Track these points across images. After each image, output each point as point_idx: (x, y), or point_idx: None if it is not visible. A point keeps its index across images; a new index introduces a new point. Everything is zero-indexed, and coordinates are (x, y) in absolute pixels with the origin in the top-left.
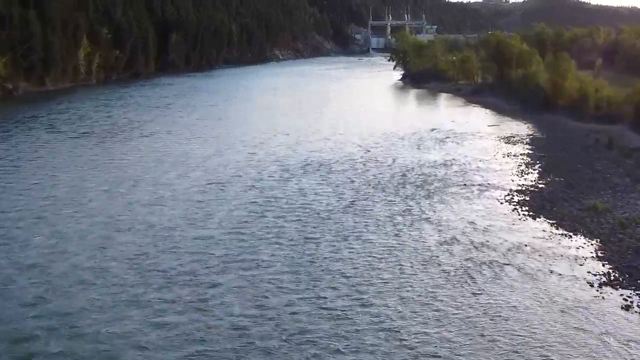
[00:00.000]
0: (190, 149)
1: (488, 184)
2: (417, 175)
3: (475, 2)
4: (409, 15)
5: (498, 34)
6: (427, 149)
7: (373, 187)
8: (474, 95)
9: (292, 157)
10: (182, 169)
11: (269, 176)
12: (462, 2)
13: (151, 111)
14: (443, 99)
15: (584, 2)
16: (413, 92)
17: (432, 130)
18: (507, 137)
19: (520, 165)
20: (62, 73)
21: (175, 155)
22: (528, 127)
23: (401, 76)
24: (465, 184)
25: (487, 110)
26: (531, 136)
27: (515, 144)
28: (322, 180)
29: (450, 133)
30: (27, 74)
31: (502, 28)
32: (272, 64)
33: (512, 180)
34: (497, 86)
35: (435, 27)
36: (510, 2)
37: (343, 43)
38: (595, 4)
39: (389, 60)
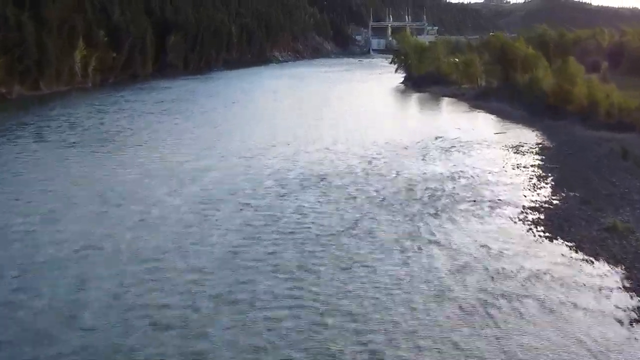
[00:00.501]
0: (184, 160)
1: (499, 199)
2: (423, 190)
3: (475, 3)
4: (409, 16)
5: (500, 35)
6: (433, 160)
7: (377, 205)
8: (478, 99)
9: (290, 170)
10: (174, 185)
11: (265, 193)
12: (462, 3)
13: (146, 117)
14: (446, 103)
15: (584, 3)
16: (415, 97)
17: (437, 138)
18: (515, 146)
19: (532, 178)
20: (57, 76)
21: (168, 168)
22: (536, 134)
23: (403, 79)
24: (475, 200)
25: (493, 116)
26: (540, 145)
27: (524, 154)
28: (322, 197)
29: (456, 142)
30: (21, 77)
31: (502, 28)
32: (272, 65)
33: (525, 196)
34: (502, 90)
35: (437, 28)
36: (512, 2)
37: (343, 44)
38: (597, 4)
39: (390, 62)
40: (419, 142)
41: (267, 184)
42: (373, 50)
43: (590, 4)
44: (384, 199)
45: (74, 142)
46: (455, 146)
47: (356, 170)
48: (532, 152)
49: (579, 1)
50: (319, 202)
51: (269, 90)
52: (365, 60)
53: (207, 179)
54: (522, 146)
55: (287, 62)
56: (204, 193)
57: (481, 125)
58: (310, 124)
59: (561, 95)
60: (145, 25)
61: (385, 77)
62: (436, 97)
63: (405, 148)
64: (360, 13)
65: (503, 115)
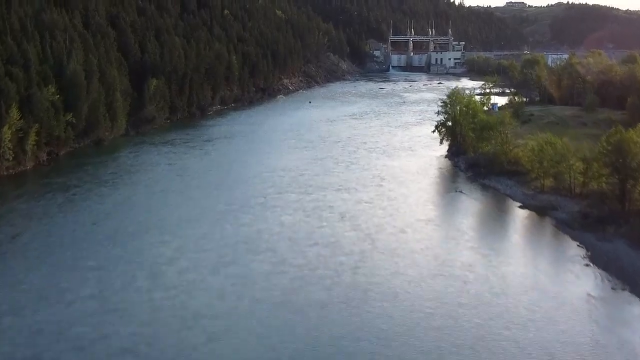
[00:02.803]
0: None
1: None
2: None
3: (496, 7)
4: (433, 30)
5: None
6: None
7: None
8: (586, 228)
9: None
10: None
11: None
12: (486, 10)
13: (83, 230)
14: (531, 232)
15: (613, 8)
16: (473, 199)
17: None
18: None
19: None
20: None
21: None
22: None
23: (449, 153)
24: None
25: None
26: None
27: None
28: None
29: None
30: None
31: (527, 38)
32: (278, 100)
33: None
34: (624, 219)
35: (463, 44)
36: (533, 6)
37: (360, 61)
38: (625, 9)
39: (433, 131)
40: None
41: None
42: (393, 67)
43: (619, 9)
44: None
45: None
46: None
47: None
48: None
49: (607, 6)
50: None
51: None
52: (388, 87)
53: None
54: None
55: (296, 93)
56: None
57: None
58: (311, 255)
59: None
60: (115, 73)
61: (418, 131)
62: (507, 208)
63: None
64: (378, 27)
65: None
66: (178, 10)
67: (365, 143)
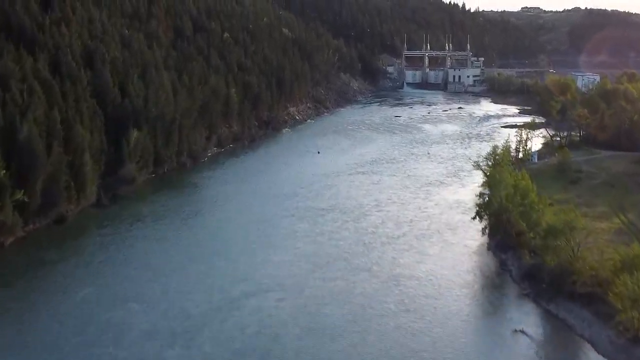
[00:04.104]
0: None
1: None
2: None
3: (511, 12)
4: (450, 45)
5: None
6: None
7: None
8: None
9: None
10: None
11: None
12: (503, 18)
13: None
14: None
15: (633, 14)
16: (538, 346)
17: None
18: None
19: None
20: None
21: None
22: None
23: (492, 243)
24: None
25: None
26: None
27: None
28: None
29: None
30: None
31: (545, 46)
32: (283, 135)
33: None
34: None
35: (482, 59)
36: (549, 10)
37: (373, 79)
38: None
39: (473, 217)
40: None
41: None
42: (407, 84)
43: (638, 14)
44: None
45: None
46: None
47: None
48: None
49: (625, 12)
50: None
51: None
52: (404, 113)
53: None
54: None
55: (304, 121)
56: None
57: None
58: None
59: None
60: (83, 133)
61: (448, 201)
62: None
63: None
64: (392, 41)
65: None
66: (171, 36)
67: (381, 224)
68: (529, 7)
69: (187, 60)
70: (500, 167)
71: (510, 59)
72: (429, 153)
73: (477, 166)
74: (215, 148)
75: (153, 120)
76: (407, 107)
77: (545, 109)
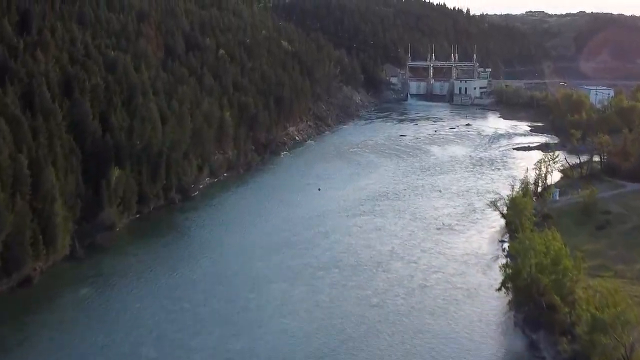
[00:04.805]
0: None
1: None
2: None
3: (515, 16)
4: (456, 54)
5: None
6: None
7: None
8: None
9: None
10: None
11: None
12: (507, 24)
13: None
14: None
15: (638, 17)
16: None
17: None
18: None
19: None
20: None
21: None
22: None
23: (519, 318)
24: None
25: None
26: None
27: None
28: None
29: None
30: None
31: (550, 51)
32: (282, 159)
33: None
34: None
35: (489, 70)
36: (553, 13)
37: (376, 90)
38: None
39: (498, 289)
40: None
41: None
42: (411, 95)
43: None
44: None
45: None
46: None
47: None
48: None
49: (632, 16)
50: None
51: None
52: (409, 132)
53: None
54: None
55: (304, 142)
56: None
57: None
58: None
59: None
60: (53, 180)
61: (463, 254)
62: None
63: None
64: (395, 50)
65: None
66: (161, 56)
67: (387, 291)
68: (533, 11)
69: (178, 82)
70: (522, 215)
71: (516, 66)
72: (440, 191)
73: (494, 206)
74: (208, 179)
75: (138, 154)
76: (412, 124)
77: (558, 126)
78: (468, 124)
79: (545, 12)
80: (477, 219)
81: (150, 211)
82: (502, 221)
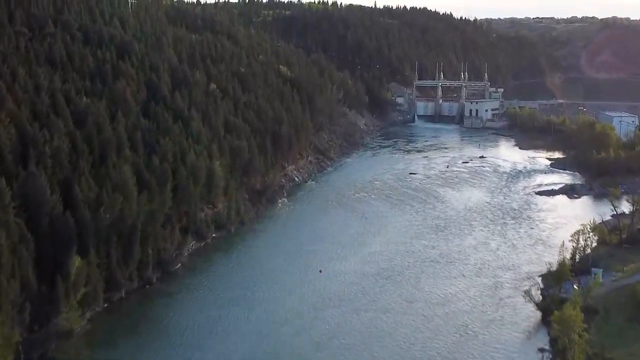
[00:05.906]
0: None
1: None
2: None
3: (521, 22)
4: (466, 73)
5: None
6: None
7: None
8: None
9: None
10: None
11: None
12: (516, 34)
13: None
14: None
15: None
16: None
17: None
18: None
19: None
20: None
21: None
22: None
23: None
24: None
25: None
26: None
27: None
28: None
29: None
30: None
31: (560, 63)
32: (280, 210)
33: None
34: None
35: (502, 90)
36: (560, 18)
37: (381, 111)
38: None
39: None
40: None
41: None
42: (419, 116)
43: None
44: None
45: None
46: None
47: None
48: None
49: None
50: None
51: None
52: (419, 169)
53: None
54: None
55: (304, 183)
56: None
57: None
58: None
59: None
60: None
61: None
62: None
63: None
64: (401, 68)
65: None
66: (143, 96)
67: None
68: (541, 17)
69: (160, 132)
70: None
71: (525, 78)
72: (464, 275)
73: (529, 297)
74: (193, 242)
75: (106, 232)
76: (421, 156)
77: (582, 162)
78: (482, 156)
79: (554, 17)
80: (504, 317)
81: (122, 298)
82: (537, 314)
